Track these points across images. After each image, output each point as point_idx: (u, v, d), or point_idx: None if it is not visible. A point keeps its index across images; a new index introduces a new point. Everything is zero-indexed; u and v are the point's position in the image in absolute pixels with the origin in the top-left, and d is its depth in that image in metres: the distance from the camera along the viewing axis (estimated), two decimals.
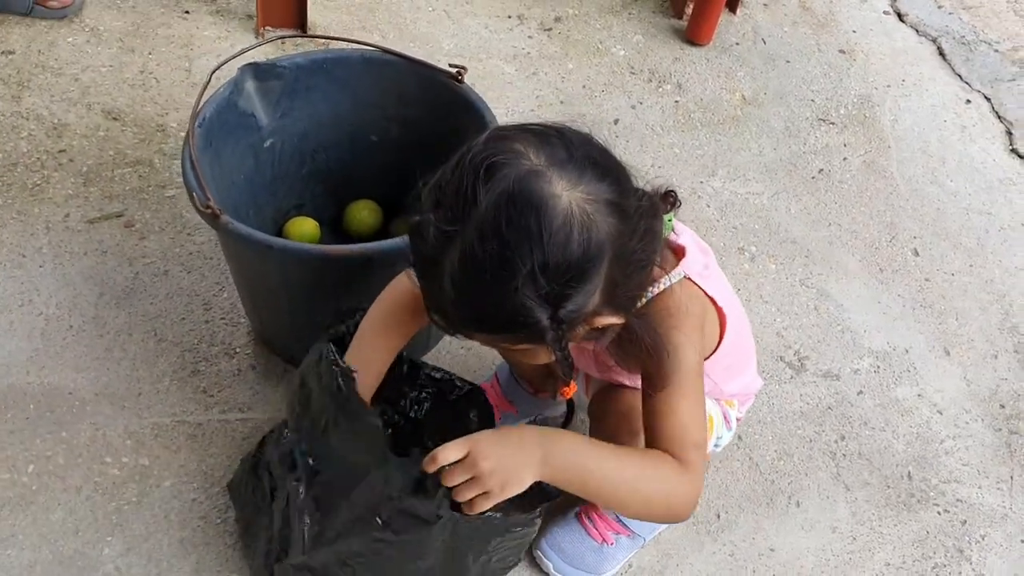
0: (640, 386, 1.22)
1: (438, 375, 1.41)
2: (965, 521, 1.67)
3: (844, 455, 1.73)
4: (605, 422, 1.35)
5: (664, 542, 1.57)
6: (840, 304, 1.97)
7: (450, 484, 1.06)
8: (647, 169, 2.19)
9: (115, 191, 1.96)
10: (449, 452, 1.04)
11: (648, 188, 1.10)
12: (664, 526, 1.55)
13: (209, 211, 1.38)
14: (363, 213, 1.87)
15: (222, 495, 1.54)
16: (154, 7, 2.40)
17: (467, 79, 1.66)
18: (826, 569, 1.58)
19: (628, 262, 1.02)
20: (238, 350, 1.74)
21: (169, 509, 1.52)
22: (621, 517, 1.50)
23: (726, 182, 2.20)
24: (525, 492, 1.15)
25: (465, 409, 1.39)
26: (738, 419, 1.53)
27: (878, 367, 1.88)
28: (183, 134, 2.09)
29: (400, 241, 1.40)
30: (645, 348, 1.12)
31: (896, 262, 2.08)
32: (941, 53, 2.64)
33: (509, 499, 1.09)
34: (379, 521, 1.16)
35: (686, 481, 1.12)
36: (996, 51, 2.65)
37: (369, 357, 1.27)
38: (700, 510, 1.62)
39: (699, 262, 1.22)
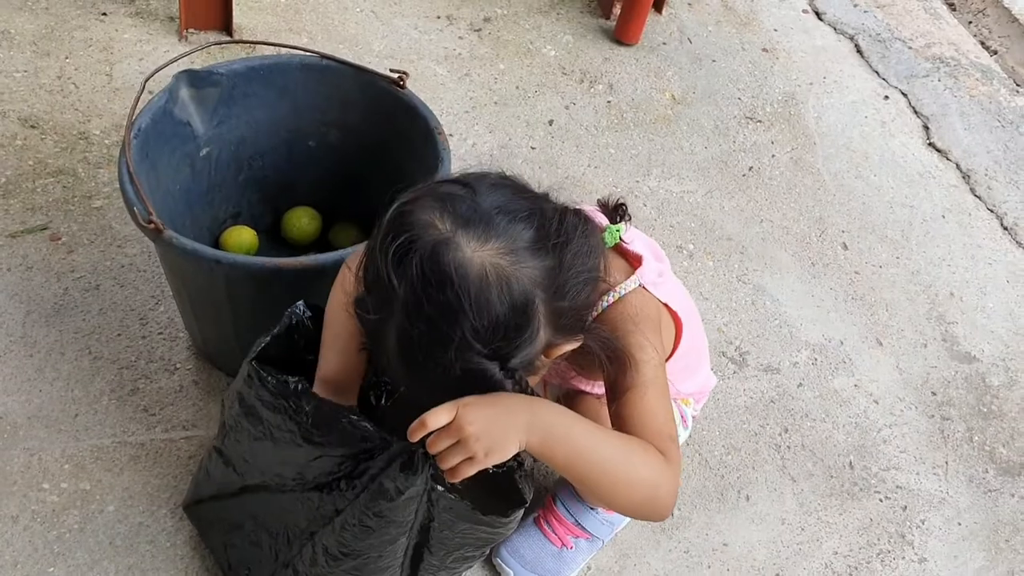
0: (601, 392, 1.23)
1: None
2: (905, 507, 1.73)
3: (788, 447, 1.77)
4: None
5: (621, 543, 1.58)
6: (776, 299, 2.01)
7: (435, 451, 1.02)
8: (583, 170, 2.20)
9: (38, 203, 1.88)
10: (437, 416, 1.00)
11: (581, 204, 1.12)
12: (621, 526, 1.56)
13: (152, 226, 1.34)
14: (302, 220, 1.83)
15: (170, 517, 1.49)
16: (69, 9, 2.31)
17: None
18: (777, 560, 1.62)
19: (565, 292, 1.03)
20: (178, 366, 1.69)
21: (114, 534, 1.47)
22: (580, 520, 1.50)
23: (661, 181, 2.22)
24: (497, 497, 1.14)
25: None
26: (694, 416, 1.55)
27: (815, 359, 1.92)
28: (107, 142, 2.02)
29: (351, 250, 1.37)
30: (605, 358, 1.14)
31: (827, 256, 2.13)
32: (859, 50, 2.71)
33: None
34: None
35: (669, 472, 1.10)
36: (910, 48, 2.73)
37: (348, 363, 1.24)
38: None
39: (653, 270, 1.24)
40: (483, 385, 1.01)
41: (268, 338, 1.22)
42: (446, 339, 0.96)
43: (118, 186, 1.93)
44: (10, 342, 1.67)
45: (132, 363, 1.67)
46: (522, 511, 1.20)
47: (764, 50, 2.64)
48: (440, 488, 1.13)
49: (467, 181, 1.03)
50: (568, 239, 1.03)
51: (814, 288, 2.06)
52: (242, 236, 1.77)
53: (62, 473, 1.52)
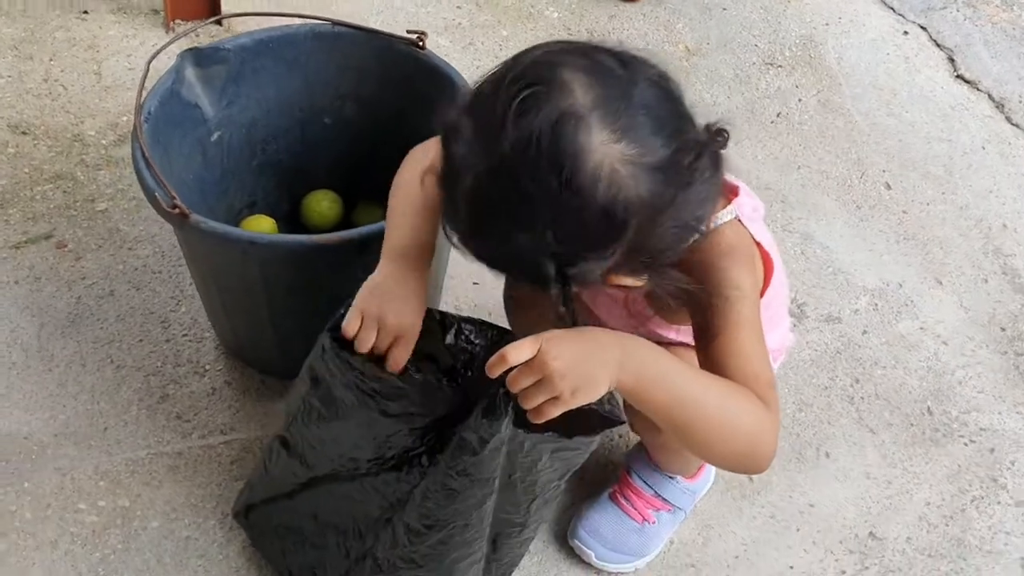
0: (682, 339, 1.11)
1: (471, 328, 1.19)
2: (992, 449, 1.63)
3: (862, 398, 1.67)
4: None
5: (701, 513, 1.48)
6: (826, 246, 1.91)
7: (517, 388, 0.91)
8: None
9: (38, 211, 1.76)
10: (520, 350, 0.89)
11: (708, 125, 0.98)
12: (702, 494, 1.45)
13: (177, 211, 1.22)
14: (322, 204, 1.72)
15: (219, 527, 1.38)
16: (47, 11, 2.19)
17: None
18: (868, 517, 1.51)
19: (658, 230, 0.90)
20: (208, 367, 1.57)
21: (162, 552, 1.36)
22: (659, 491, 1.40)
23: None
24: (583, 419, 1.05)
25: None
26: None
27: (876, 305, 1.82)
28: (104, 142, 1.91)
29: None
30: (694, 294, 1.01)
31: (871, 198, 2.03)
32: None
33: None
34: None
35: (771, 421, 0.99)
36: None
37: (422, 238, 1.13)
38: (731, 474, 1.53)
39: (749, 204, 1.12)
40: (526, 275, 0.92)
41: (343, 309, 1.09)
42: (522, 217, 0.86)
43: (121, 187, 1.83)
44: (27, 357, 1.55)
45: (159, 369, 1.56)
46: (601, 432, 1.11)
47: None
48: (523, 432, 1.02)
49: (628, 61, 0.91)
50: (692, 181, 0.90)
51: (863, 231, 1.95)
52: (261, 225, 1.66)
53: (98, 491, 1.40)
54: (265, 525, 1.31)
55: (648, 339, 1.20)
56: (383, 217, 1.26)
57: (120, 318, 1.61)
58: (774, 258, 1.16)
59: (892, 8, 2.56)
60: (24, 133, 1.90)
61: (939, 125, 2.23)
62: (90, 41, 2.13)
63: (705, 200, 0.94)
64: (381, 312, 1.05)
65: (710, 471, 1.44)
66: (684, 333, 1.18)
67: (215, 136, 1.54)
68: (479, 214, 0.90)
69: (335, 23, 1.55)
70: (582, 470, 1.45)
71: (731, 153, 1.01)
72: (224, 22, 2.18)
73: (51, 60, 2.07)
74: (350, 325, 1.05)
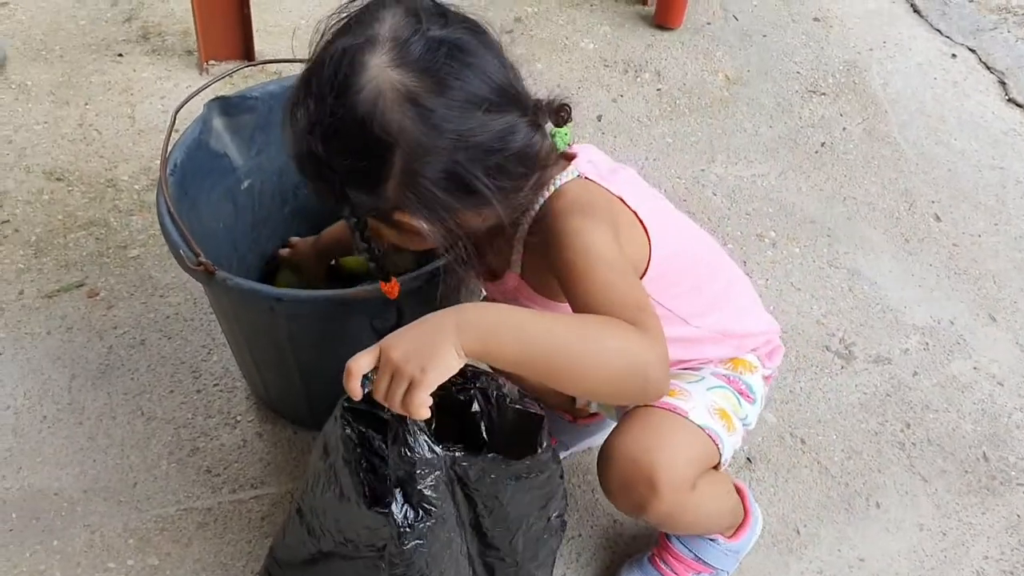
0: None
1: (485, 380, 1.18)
2: None
3: (914, 444, 1.60)
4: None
5: (746, 570, 1.42)
6: (874, 282, 1.84)
7: (379, 394, 0.92)
8: (641, 163, 2.05)
9: (71, 258, 1.76)
10: (360, 359, 0.92)
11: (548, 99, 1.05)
12: (745, 553, 1.39)
13: (201, 268, 1.20)
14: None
15: None
16: (84, 54, 2.20)
17: None
18: (921, 571, 1.44)
19: (434, 169, 0.96)
20: (239, 419, 1.55)
21: None
22: (699, 554, 1.34)
23: (728, 167, 2.06)
24: (513, 422, 1.08)
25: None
26: (766, 378, 1.33)
27: (927, 344, 1.75)
28: (137, 187, 1.90)
29: (421, 273, 1.23)
30: (546, 247, 1.04)
31: (920, 230, 1.96)
32: (915, 10, 2.54)
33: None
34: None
35: (644, 337, 0.93)
36: (971, 1, 2.56)
37: None
38: (777, 526, 1.47)
39: (599, 167, 1.11)
40: (324, 189, 1.01)
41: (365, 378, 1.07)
42: (309, 123, 0.97)
43: (153, 232, 1.82)
44: (58, 410, 1.53)
45: (189, 420, 1.53)
46: (546, 431, 1.10)
47: (815, 19, 2.48)
48: (457, 455, 1.03)
49: (448, 14, 1.00)
50: (479, 133, 0.96)
51: (912, 266, 1.88)
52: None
53: (127, 549, 1.38)
54: None
55: None
56: (414, 262, 1.24)
57: (151, 368, 1.60)
58: (651, 216, 1.11)
59: (939, 30, 2.49)
60: (59, 179, 1.90)
61: (990, 152, 2.15)
62: (125, 84, 2.13)
63: (493, 154, 0.97)
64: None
65: (754, 529, 1.38)
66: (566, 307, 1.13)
67: (245, 184, 1.53)
68: (287, 111, 1.00)
69: None
70: (615, 540, 1.41)
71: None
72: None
73: (86, 104, 2.08)
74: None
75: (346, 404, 1.06)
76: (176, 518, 1.42)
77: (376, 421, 1.07)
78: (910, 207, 2.01)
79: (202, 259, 1.20)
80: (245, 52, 2.20)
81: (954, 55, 2.41)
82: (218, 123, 1.45)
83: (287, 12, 2.36)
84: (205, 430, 1.53)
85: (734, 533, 1.35)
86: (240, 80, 2.12)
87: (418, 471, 1.01)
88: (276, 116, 1.50)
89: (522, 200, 1.06)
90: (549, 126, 1.09)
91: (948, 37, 2.46)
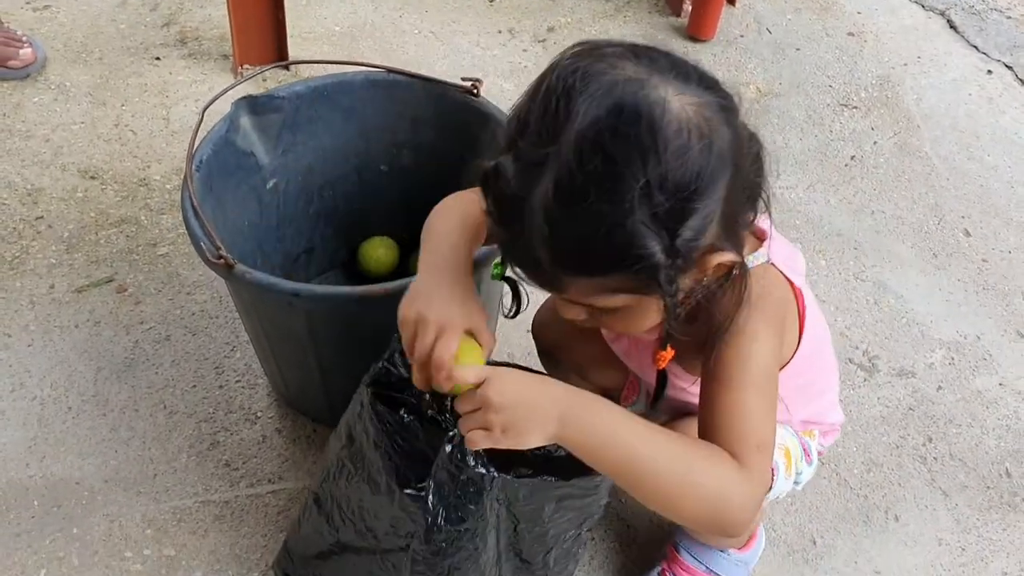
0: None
1: None
2: None
3: (935, 458, 1.58)
4: None
5: None
6: (900, 295, 1.83)
7: (460, 411, 0.91)
8: None
9: (102, 255, 1.79)
10: (466, 372, 0.90)
11: None
12: (755, 563, 1.38)
13: (222, 261, 1.22)
14: (379, 251, 1.71)
15: None
16: (122, 57, 2.24)
17: None
18: None
19: (743, 186, 0.86)
20: (259, 414, 1.56)
21: None
22: (710, 566, 1.33)
23: None
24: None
25: None
26: (820, 452, 1.33)
27: (952, 359, 1.73)
28: (168, 187, 1.93)
29: None
30: (713, 326, 0.95)
31: (949, 245, 1.94)
32: (952, 26, 2.52)
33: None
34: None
35: (744, 482, 0.91)
36: (1009, 18, 2.53)
37: (460, 254, 1.06)
38: (794, 537, 1.45)
39: (784, 251, 1.05)
40: (634, 265, 0.81)
41: (381, 363, 1.08)
42: (624, 183, 0.78)
43: (182, 231, 1.85)
44: (82, 402, 1.56)
45: (210, 415, 1.55)
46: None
47: (850, 34, 2.47)
48: (510, 477, 0.99)
49: (653, 46, 0.87)
50: (750, 133, 0.89)
51: (940, 281, 1.86)
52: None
53: (144, 539, 1.40)
54: None
55: (677, 407, 1.14)
56: None
57: (175, 363, 1.62)
58: (812, 315, 1.08)
59: (975, 47, 2.47)
60: (93, 178, 1.94)
61: (1023, 169, 2.13)
62: (161, 87, 2.17)
63: (760, 162, 0.91)
64: (419, 311, 0.97)
65: (760, 540, 1.37)
66: None
67: (271, 184, 1.55)
68: (570, 207, 0.80)
69: (390, 71, 1.54)
70: (628, 546, 1.41)
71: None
72: (292, 68, 2.21)
73: (123, 106, 2.12)
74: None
75: (372, 390, 1.05)
76: (194, 510, 1.44)
77: (398, 404, 1.06)
78: (940, 222, 1.99)
79: (222, 252, 1.22)
80: (279, 57, 2.23)
81: (990, 71, 2.39)
82: (245, 122, 1.47)
83: (321, 19, 2.40)
84: (226, 425, 1.55)
85: (744, 544, 1.34)
86: (273, 83, 2.16)
87: (462, 477, 0.99)
88: (303, 116, 1.53)
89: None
90: None
91: (984, 53, 2.44)
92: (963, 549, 1.47)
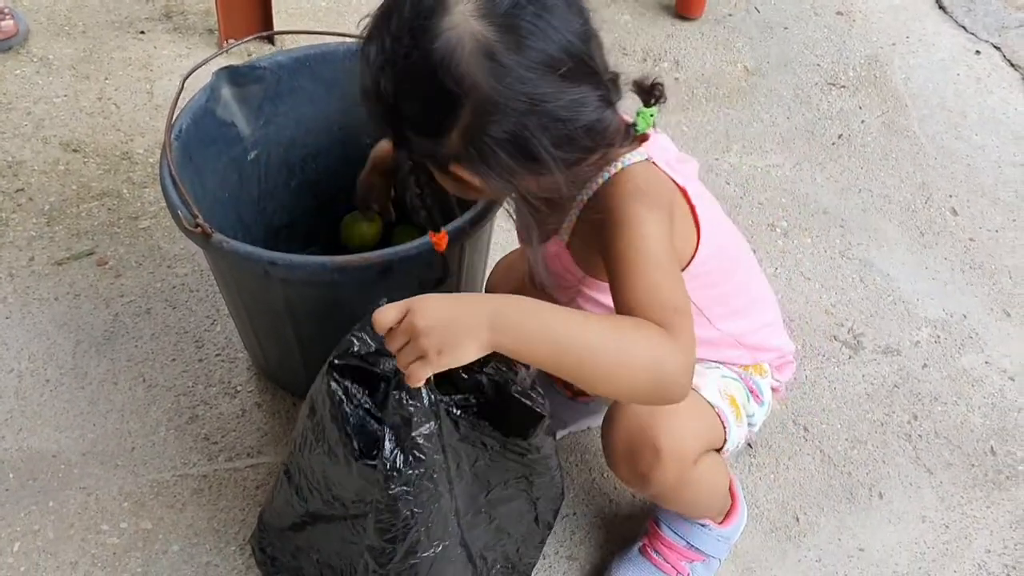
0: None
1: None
2: None
3: (920, 436, 1.57)
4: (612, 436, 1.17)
5: (742, 556, 1.40)
6: (886, 273, 1.82)
7: (391, 348, 0.91)
8: None
9: (83, 228, 1.77)
10: (386, 312, 0.90)
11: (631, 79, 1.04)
12: (736, 538, 1.37)
13: (199, 229, 1.20)
14: (361, 226, 1.68)
15: (239, 554, 1.35)
16: (106, 30, 2.22)
17: None
18: (922, 563, 1.42)
19: (501, 126, 0.93)
20: (239, 388, 1.55)
21: None
22: (691, 541, 1.32)
23: (743, 156, 2.04)
24: (516, 410, 1.08)
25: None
26: (776, 389, 1.33)
27: (938, 337, 1.72)
28: (151, 160, 1.91)
29: (420, 243, 1.22)
30: (600, 226, 1.01)
31: (936, 224, 1.93)
32: (941, 6, 2.51)
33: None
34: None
35: (673, 343, 0.92)
36: None
37: None
38: (776, 514, 1.45)
39: (671, 154, 1.08)
40: (384, 125, 0.99)
41: (352, 335, 1.08)
42: (379, 56, 0.94)
43: (163, 205, 1.81)
44: (61, 375, 1.55)
45: (189, 389, 1.54)
46: (542, 430, 1.12)
47: (839, 13, 2.45)
48: (455, 409, 1.05)
49: None
50: (553, 99, 0.93)
51: (926, 259, 1.86)
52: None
53: (121, 512, 1.39)
54: (275, 558, 1.27)
55: (590, 307, 1.17)
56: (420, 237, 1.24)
57: (155, 336, 1.61)
58: (706, 214, 1.09)
59: (964, 27, 2.46)
60: (75, 151, 1.92)
61: (1011, 149, 2.12)
62: (145, 60, 2.15)
63: (561, 123, 0.94)
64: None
65: (742, 515, 1.37)
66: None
67: (252, 155, 1.53)
68: (363, 42, 0.97)
69: None
70: (610, 521, 1.40)
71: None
72: (275, 40, 2.19)
73: (106, 79, 2.09)
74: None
75: (336, 361, 1.05)
76: (172, 483, 1.42)
77: (365, 376, 1.06)
78: (927, 201, 1.98)
79: (199, 221, 1.20)
80: (265, 32, 2.21)
81: (978, 52, 2.38)
82: (226, 92, 1.45)
83: None
84: (205, 399, 1.53)
85: (724, 519, 1.33)
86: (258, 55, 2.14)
87: (415, 419, 1.00)
88: (285, 86, 1.51)
89: (584, 173, 1.03)
90: (637, 104, 1.07)
91: (973, 34, 2.43)
92: (947, 527, 1.47)
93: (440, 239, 1.14)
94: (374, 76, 0.95)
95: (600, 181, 1.05)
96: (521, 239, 1.21)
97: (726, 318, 1.22)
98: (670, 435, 1.11)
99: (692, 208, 1.08)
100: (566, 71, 0.93)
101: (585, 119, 0.96)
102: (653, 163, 1.05)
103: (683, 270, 1.07)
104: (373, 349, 1.10)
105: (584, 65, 0.95)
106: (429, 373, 0.90)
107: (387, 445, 0.99)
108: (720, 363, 1.25)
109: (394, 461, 0.99)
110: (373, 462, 1.01)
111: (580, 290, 1.18)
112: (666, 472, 1.12)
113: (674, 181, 1.06)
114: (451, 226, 1.22)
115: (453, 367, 0.90)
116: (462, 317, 0.89)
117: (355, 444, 1.02)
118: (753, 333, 1.27)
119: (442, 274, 1.23)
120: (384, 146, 1.43)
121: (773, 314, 1.31)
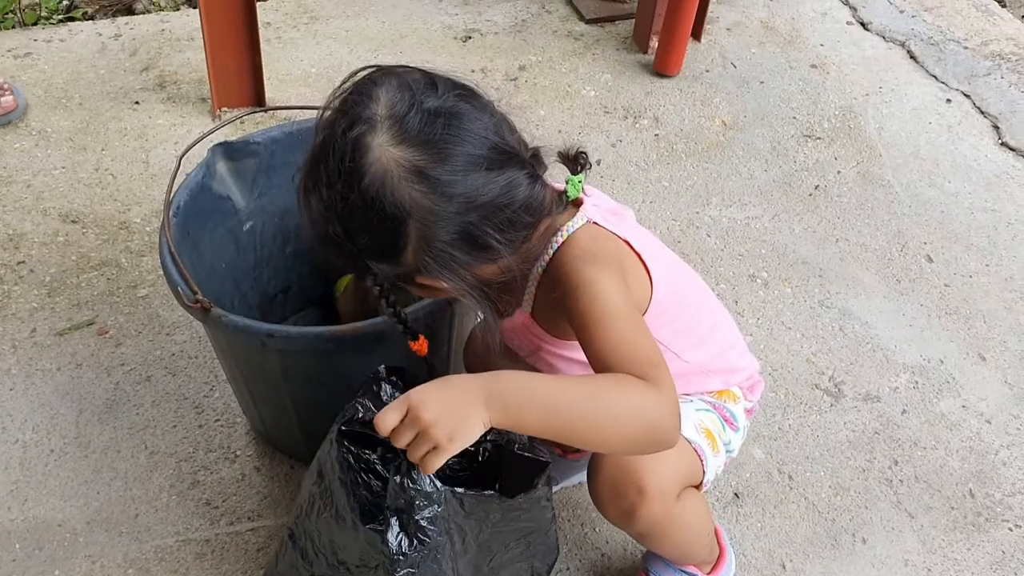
0: (581, 357, 1.12)
1: None
2: None
3: (901, 481, 1.62)
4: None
5: None
6: (864, 321, 1.88)
7: (399, 444, 0.96)
8: (638, 206, 2.10)
9: (83, 298, 1.82)
10: (387, 415, 0.95)
11: (552, 150, 1.13)
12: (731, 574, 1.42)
13: (198, 305, 1.25)
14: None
15: None
16: (102, 102, 2.28)
17: None
18: None
19: (448, 231, 1.01)
20: (238, 453, 1.59)
21: None
22: (686, 570, 1.36)
23: (722, 209, 2.11)
24: (518, 466, 1.13)
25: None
26: (750, 411, 1.38)
27: (916, 382, 1.78)
28: (148, 229, 1.97)
29: (412, 311, 1.27)
30: (560, 294, 1.09)
31: (912, 271, 1.99)
32: (912, 56, 2.60)
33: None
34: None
35: (657, 394, 0.98)
36: (966, 48, 2.61)
37: None
38: (763, 562, 1.49)
39: (604, 210, 1.16)
40: (348, 265, 1.09)
41: (354, 401, 1.13)
42: (326, 210, 1.02)
43: (162, 273, 1.88)
44: (64, 444, 1.59)
45: (190, 455, 1.58)
46: (546, 475, 1.16)
47: (813, 66, 2.53)
48: (461, 491, 1.08)
49: (438, 81, 1.04)
50: (485, 192, 1.01)
51: (903, 306, 1.92)
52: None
53: None
54: None
55: (554, 365, 1.24)
56: (414, 299, 1.29)
57: (155, 404, 1.65)
58: (652, 257, 1.16)
59: (935, 76, 2.53)
60: (74, 222, 1.98)
61: (983, 195, 2.19)
62: (140, 131, 2.21)
63: (500, 209, 1.02)
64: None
65: (729, 566, 1.41)
66: (576, 349, 1.16)
67: (247, 226, 1.59)
68: (299, 198, 1.07)
69: None
70: (605, 567, 1.44)
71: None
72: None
73: (103, 150, 2.16)
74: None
75: (343, 428, 1.10)
76: (175, 549, 1.46)
77: (371, 441, 1.11)
78: (902, 248, 2.04)
79: (199, 296, 1.26)
80: (257, 100, 2.28)
81: (949, 100, 2.46)
82: (222, 166, 1.51)
83: (298, 61, 2.45)
84: (206, 464, 1.57)
85: (712, 569, 1.37)
86: (251, 126, 2.20)
87: (417, 503, 1.04)
88: (278, 160, 1.57)
89: (533, 248, 1.12)
90: (565, 173, 1.16)
91: (943, 83, 2.51)
92: (929, 570, 1.51)
93: (421, 346, 1.19)
94: (322, 225, 1.03)
95: (551, 252, 1.13)
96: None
97: (691, 348, 1.28)
98: (652, 473, 1.16)
99: (639, 256, 1.15)
100: (489, 163, 1.02)
101: (519, 199, 1.05)
102: (594, 223, 1.13)
103: (643, 314, 1.15)
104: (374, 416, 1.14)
105: (504, 152, 1.03)
106: (444, 461, 0.95)
107: (393, 527, 1.04)
108: (692, 396, 1.31)
109: (400, 544, 1.04)
110: (379, 527, 1.05)
111: (541, 347, 1.25)
112: (651, 508, 1.17)
113: (616, 235, 1.14)
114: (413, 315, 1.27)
115: (465, 447, 0.95)
116: (461, 401, 0.95)
117: (362, 509, 1.07)
118: (719, 356, 1.33)
119: (428, 375, 1.25)
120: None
121: (733, 334, 1.38)
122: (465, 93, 1.05)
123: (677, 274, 1.29)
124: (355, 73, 1.06)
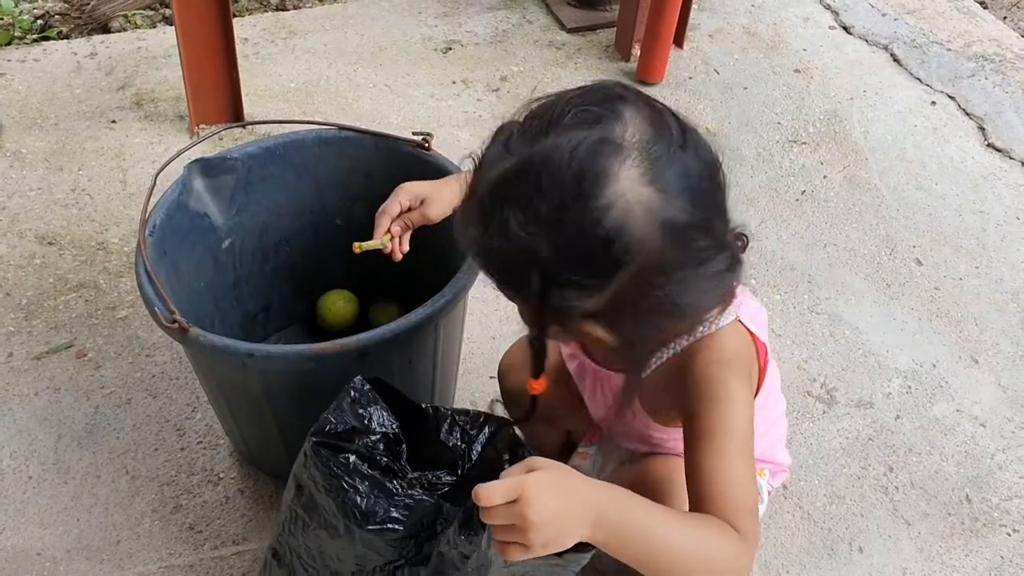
0: (677, 447, 1.08)
1: (465, 419, 1.19)
2: None
3: (896, 487, 1.60)
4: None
5: None
6: (855, 327, 1.86)
7: (492, 522, 0.88)
8: None
9: (61, 320, 1.79)
10: (498, 490, 0.86)
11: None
12: None
13: (176, 325, 1.22)
14: (337, 304, 1.72)
15: None
16: (78, 121, 2.25)
17: None
18: None
19: (654, 291, 0.89)
20: (221, 475, 1.56)
21: None
22: None
23: None
24: None
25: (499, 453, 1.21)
26: (769, 492, 1.35)
27: (909, 387, 1.76)
28: (127, 249, 1.93)
29: (395, 326, 1.25)
30: (687, 392, 1.01)
31: (901, 275, 1.98)
32: (895, 59, 2.59)
33: None
34: None
35: (746, 552, 0.95)
36: (949, 50, 2.60)
37: None
38: (759, 573, 1.46)
39: (748, 306, 1.08)
40: (512, 280, 0.91)
41: (328, 414, 1.09)
42: (529, 216, 0.85)
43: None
44: (43, 471, 1.55)
45: (172, 478, 1.55)
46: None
47: (796, 71, 2.52)
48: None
49: (688, 130, 0.91)
50: (701, 263, 0.89)
51: (894, 310, 1.90)
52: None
53: None
54: None
55: (630, 434, 1.18)
56: (399, 315, 1.29)
57: (136, 427, 1.61)
58: (769, 369, 1.11)
59: (919, 79, 2.53)
60: (51, 243, 1.94)
61: (970, 196, 2.17)
62: (117, 150, 2.18)
63: (705, 292, 0.92)
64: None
65: None
66: (675, 437, 1.13)
67: (226, 243, 1.56)
68: (494, 201, 0.88)
69: (341, 128, 1.56)
70: None
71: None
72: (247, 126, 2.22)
73: (80, 170, 2.12)
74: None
75: (315, 439, 1.07)
76: (158, 575, 1.43)
77: (344, 449, 1.07)
78: (891, 252, 2.02)
79: (176, 317, 1.22)
80: (235, 116, 2.25)
81: (934, 102, 2.45)
82: (198, 183, 1.48)
83: (276, 76, 2.42)
84: (188, 487, 1.54)
85: None
86: (230, 142, 2.17)
87: (471, 559, 0.99)
88: (256, 175, 1.54)
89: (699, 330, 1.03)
90: None
91: (928, 85, 2.50)
92: None
93: (539, 384, 1.07)
94: (524, 240, 0.86)
95: (693, 337, 1.03)
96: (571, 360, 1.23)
97: (758, 439, 1.24)
98: None
99: (763, 365, 1.09)
100: (719, 234, 0.91)
101: (729, 280, 0.95)
102: (739, 322, 1.05)
103: None
104: (349, 427, 1.11)
105: (716, 229, 0.92)
106: (525, 559, 0.89)
107: (442, 562, 0.99)
108: None
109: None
110: (379, 526, 1.02)
111: (626, 415, 1.17)
112: None
113: (756, 338, 1.06)
114: (427, 308, 1.26)
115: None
116: (573, 514, 0.88)
117: (357, 513, 1.03)
118: (769, 453, 1.31)
119: (531, 408, 1.17)
120: (413, 187, 1.40)
121: (782, 429, 1.34)
122: (712, 159, 0.94)
123: (774, 379, 1.22)
124: (592, 84, 0.93)
